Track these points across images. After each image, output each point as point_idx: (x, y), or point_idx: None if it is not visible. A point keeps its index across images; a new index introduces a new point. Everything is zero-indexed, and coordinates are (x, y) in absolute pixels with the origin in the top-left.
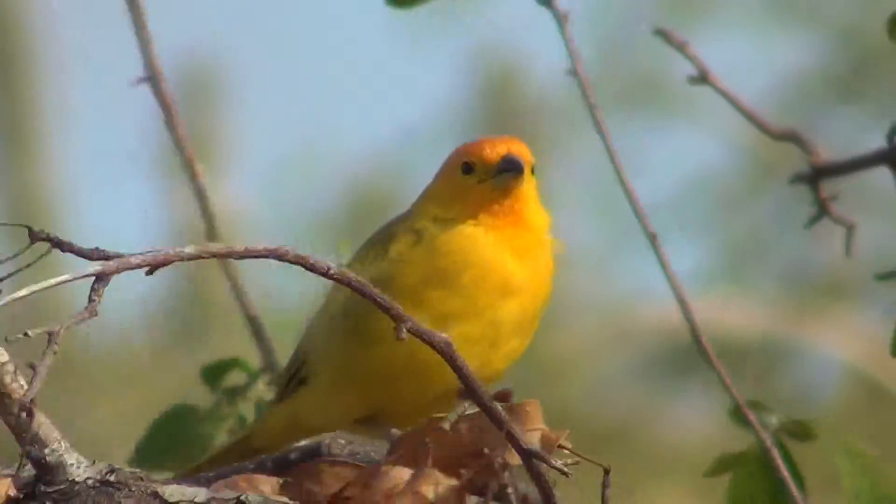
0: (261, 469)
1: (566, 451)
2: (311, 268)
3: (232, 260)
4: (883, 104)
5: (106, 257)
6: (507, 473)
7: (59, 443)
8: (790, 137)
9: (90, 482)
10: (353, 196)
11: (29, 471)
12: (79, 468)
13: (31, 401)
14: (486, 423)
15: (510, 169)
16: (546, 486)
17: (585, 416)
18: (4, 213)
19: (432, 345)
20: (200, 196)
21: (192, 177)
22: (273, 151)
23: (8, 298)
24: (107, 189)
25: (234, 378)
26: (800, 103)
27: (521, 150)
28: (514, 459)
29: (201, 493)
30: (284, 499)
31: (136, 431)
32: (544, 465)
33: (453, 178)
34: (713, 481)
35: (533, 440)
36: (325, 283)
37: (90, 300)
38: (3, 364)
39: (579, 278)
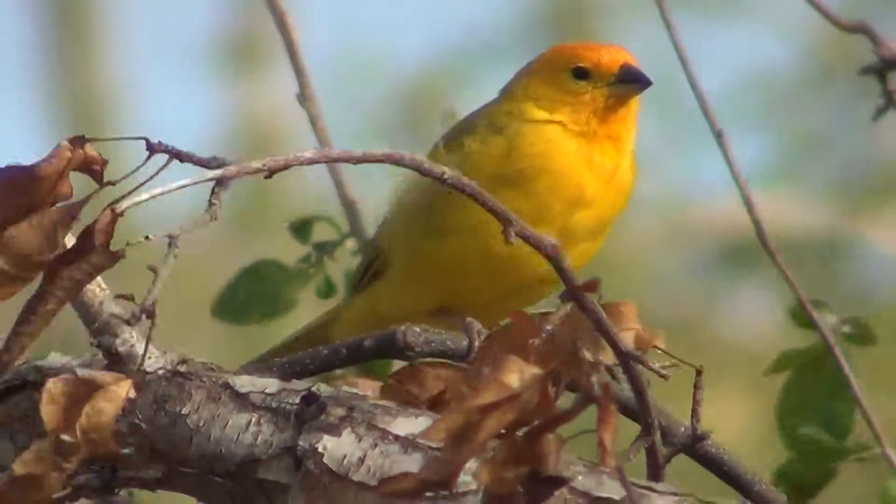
0: (335, 356)
1: (659, 352)
2: (426, 173)
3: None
4: None
5: (224, 164)
6: (597, 373)
7: (131, 333)
8: (860, 30)
9: (161, 372)
10: (411, 94)
11: (100, 361)
12: (150, 358)
13: (153, 303)
14: (580, 322)
15: (635, 80)
16: (641, 386)
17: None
18: (66, 106)
19: (539, 248)
20: (296, 67)
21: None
22: (331, 48)
23: (132, 202)
24: (167, 82)
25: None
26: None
27: (633, 60)
28: (609, 358)
29: (272, 383)
30: (355, 389)
31: (191, 324)
32: (641, 367)
33: (560, 81)
34: (771, 377)
35: (627, 340)
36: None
37: (210, 204)
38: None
39: (637, 176)
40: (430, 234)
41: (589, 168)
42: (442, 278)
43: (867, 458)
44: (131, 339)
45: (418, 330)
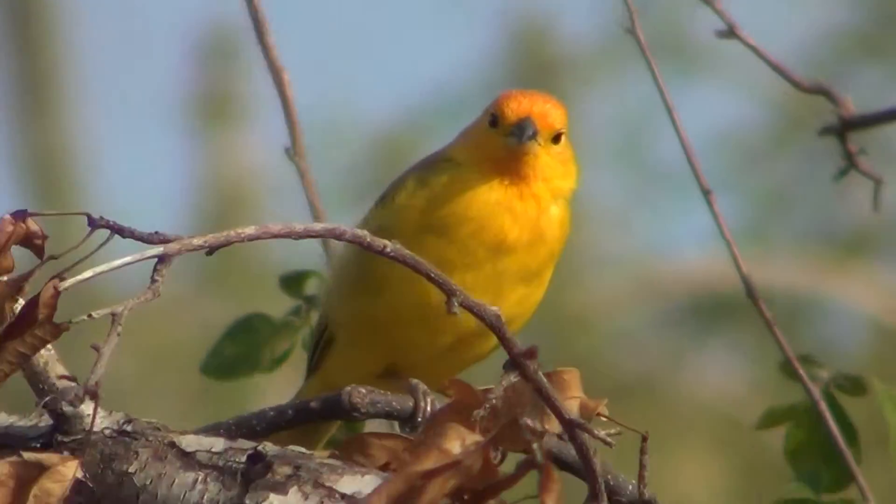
0: (281, 417)
1: (603, 419)
2: (367, 247)
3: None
4: None
5: (166, 240)
6: (537, 444)
7: (77, 393)
8: (819, 90)
9: (107, 432)
10: (379, 152)
11: (46, 421)
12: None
13: (96, 384)
14: (524, 391)
15: (517, 134)
16: (587, 455)
17: (607, 369)
18: (29, 168)
19: (482, 318)
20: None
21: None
22: (298, 107)
23: (73, 280)
24: (130, 140)
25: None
26: (828, 60)
27: (544, 113)
28: (553, 427)
29: (219, 442)
30: (302, 448)
31: (154, 377)
32: (587, 435)
33: (481, 127)
34: (732, 434)
35: (572, 408)
36: None
37: (153, 280)
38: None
39: (602, 232)
40: (365, 292)
41: (510, 215)
42: (383, 336)
43: None
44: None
45: (364, 391)
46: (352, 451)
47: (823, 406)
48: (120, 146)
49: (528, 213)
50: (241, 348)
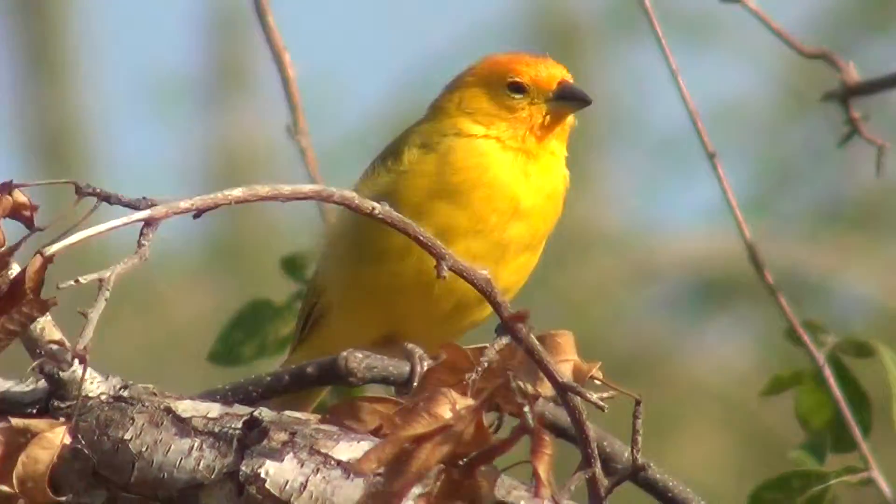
0: (278, 382)
1: (597, 382)
2: (356, 209)
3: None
4: None
5: (153, 204)
6: (528, 408)
7: (66, 357)
8: (821, 56)
9: (103, 397)
10: (384, 118)
11: (43, 386)
12: (92, 384)
13: (85, 348)
14: (517, 355)
15: (574, 97)
16: (580, 419)
17: (609, 347)
18: (38, 137)
19: (472, 282)
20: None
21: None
22: (303, 75)
23: (61, 245)
24: (141, 114)
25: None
26: (833, 30)
27: (567, 76)
28: (547, 391)
29: (215, 408)
30: (298, 414)
31: (158, 358)
32: (579, 399)
33: (495, 95)
34: (735, 413)
35: (565, 371)
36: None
37: (139, 245)
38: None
39: (603, 211)
40: (365, 261)
41: (525, 181)
42: (382, 304)
43: (854, 482)
44: (73, 364)
45: (360, 356)
46: (343, 416)
47: (828, 371)
48: (130, 120)
49: (541, 180)
50: (246, 335)
